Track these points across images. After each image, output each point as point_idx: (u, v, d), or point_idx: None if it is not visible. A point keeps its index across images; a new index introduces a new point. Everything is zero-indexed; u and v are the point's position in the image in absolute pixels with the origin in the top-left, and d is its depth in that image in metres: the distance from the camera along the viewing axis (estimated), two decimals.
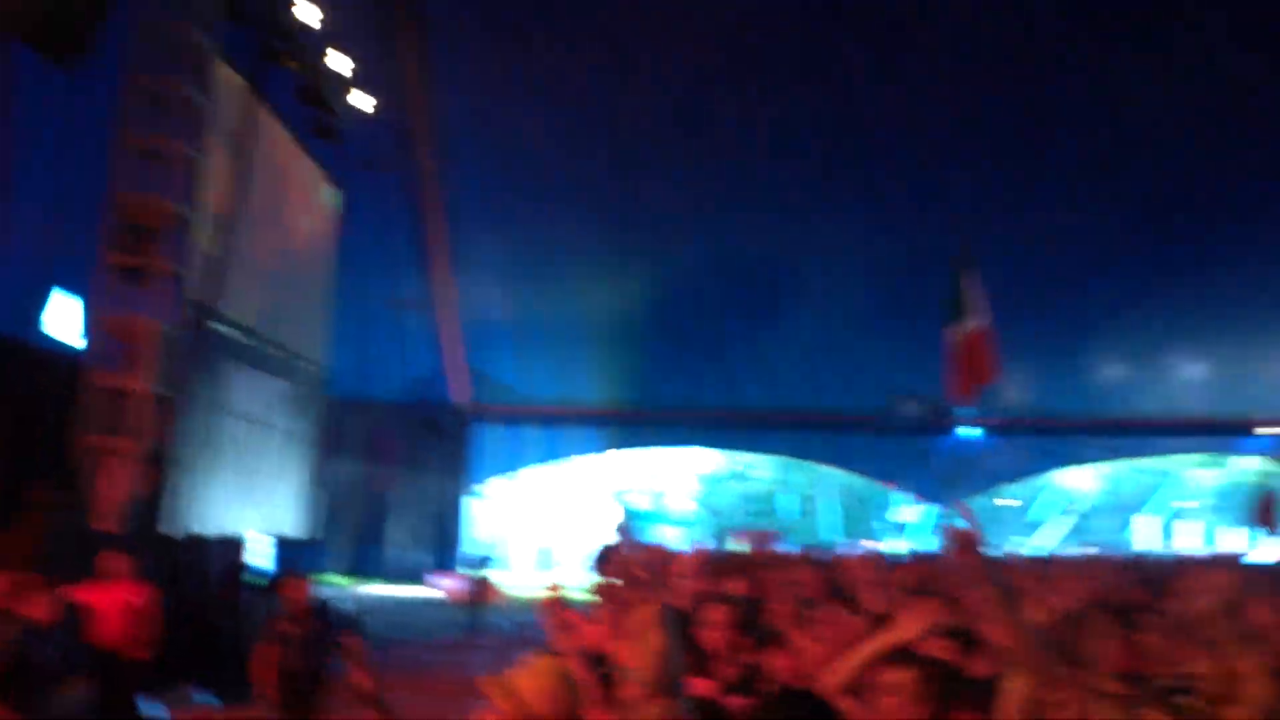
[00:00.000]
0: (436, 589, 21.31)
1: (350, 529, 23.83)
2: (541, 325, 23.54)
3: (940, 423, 23.65)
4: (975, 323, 12.71)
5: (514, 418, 25.28)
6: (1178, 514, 28.37)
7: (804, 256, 22.07)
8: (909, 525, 27.30)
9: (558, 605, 4.25)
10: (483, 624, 16.64)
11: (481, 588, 17.11)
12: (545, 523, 25.53)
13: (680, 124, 20.22)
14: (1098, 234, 20.61)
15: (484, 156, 21.09)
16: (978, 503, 26.89)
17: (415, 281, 23.41)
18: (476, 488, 25.70)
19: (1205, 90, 18.61)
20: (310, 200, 15.50)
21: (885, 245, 21.31)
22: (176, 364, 10.37)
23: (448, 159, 20.62)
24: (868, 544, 24.52)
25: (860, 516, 27.29)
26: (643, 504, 25.83)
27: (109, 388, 9.91)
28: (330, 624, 8.36)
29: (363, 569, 23.82)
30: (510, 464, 25.78)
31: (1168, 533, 27.52)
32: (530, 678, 2.67)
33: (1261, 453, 23.83)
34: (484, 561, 17.77)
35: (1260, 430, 25.64)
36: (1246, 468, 26.63)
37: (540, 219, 21.86)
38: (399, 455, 23.93)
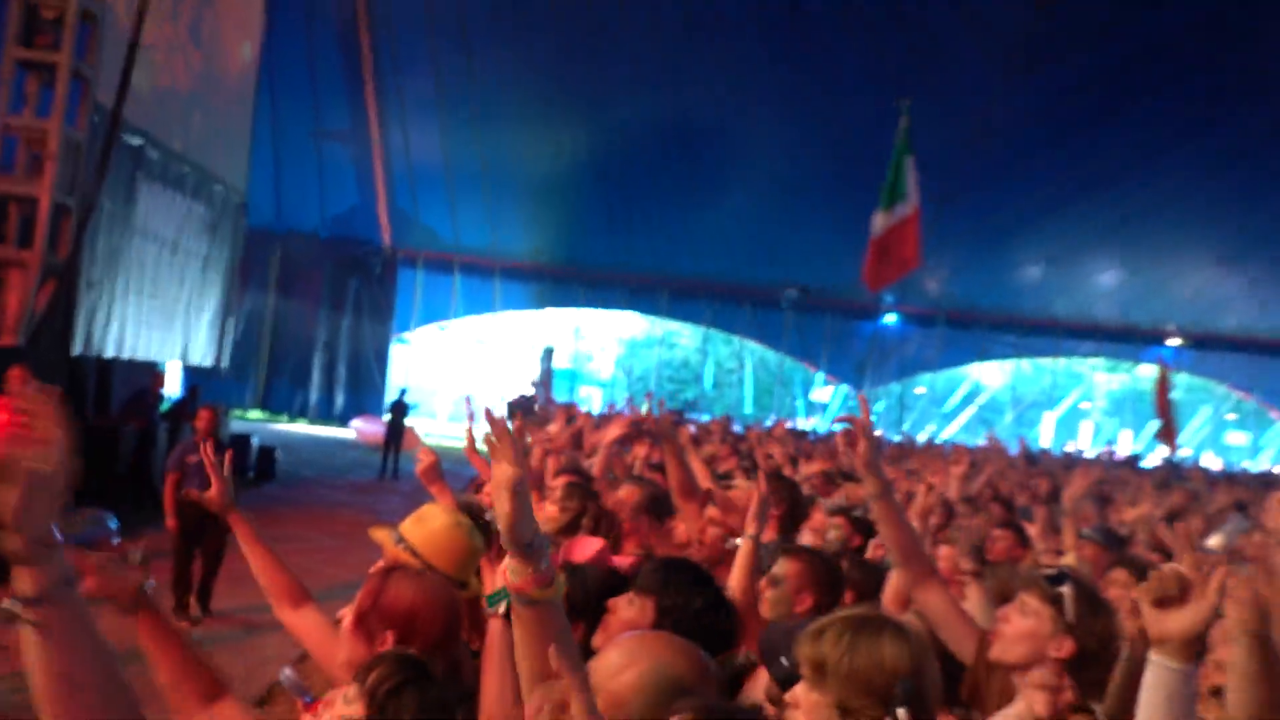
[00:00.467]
0: (358, 432, 21.25)
1: (268, 365, 23.43)
2: (474, 173, 22.87)
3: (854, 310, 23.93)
4: (905, 208, 12.72)
5: (442, 265, 24.78)
6: (1083, 415, 29.52)
7: (743, 128, 21.67)
8: (826, 405, 27.87)
9: (473, 454, 4.16)
10: (399, 469, 16.69)
11: (401, 432, 17.04)
12: (469, 374, 25.39)
13: None
14: (1026, 134, 20.57)
15: None
16: (893, 390, 27.57)
17: (342, 113, 22.41)
18: (402, 334, 25.36)
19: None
20: (232, 12, 14.47)
21: (822, 123, 21.00)
22: (83, 174, 9.72)
23: None
24: (784, 420, 25.15)
25: (780, 393, 27.72)
26: (565, 363, 25.79)
27: (7, 194, 9.28)
28: (235, 456, 8.24)
29: (281, 407, 23.56)
30: (436, 313, 25.42)
31: (1072, 432, 28.64)
32: (422, 527, 2.54)
33: (1163, 362, 24.73)
34: (405, 407, 17.60)
35: (1170, 341, 26.56)
36: (1150, 375, 27.68)
37: (477, 61, 20.90)
38: (321, 292, 23.37)
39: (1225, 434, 29.38)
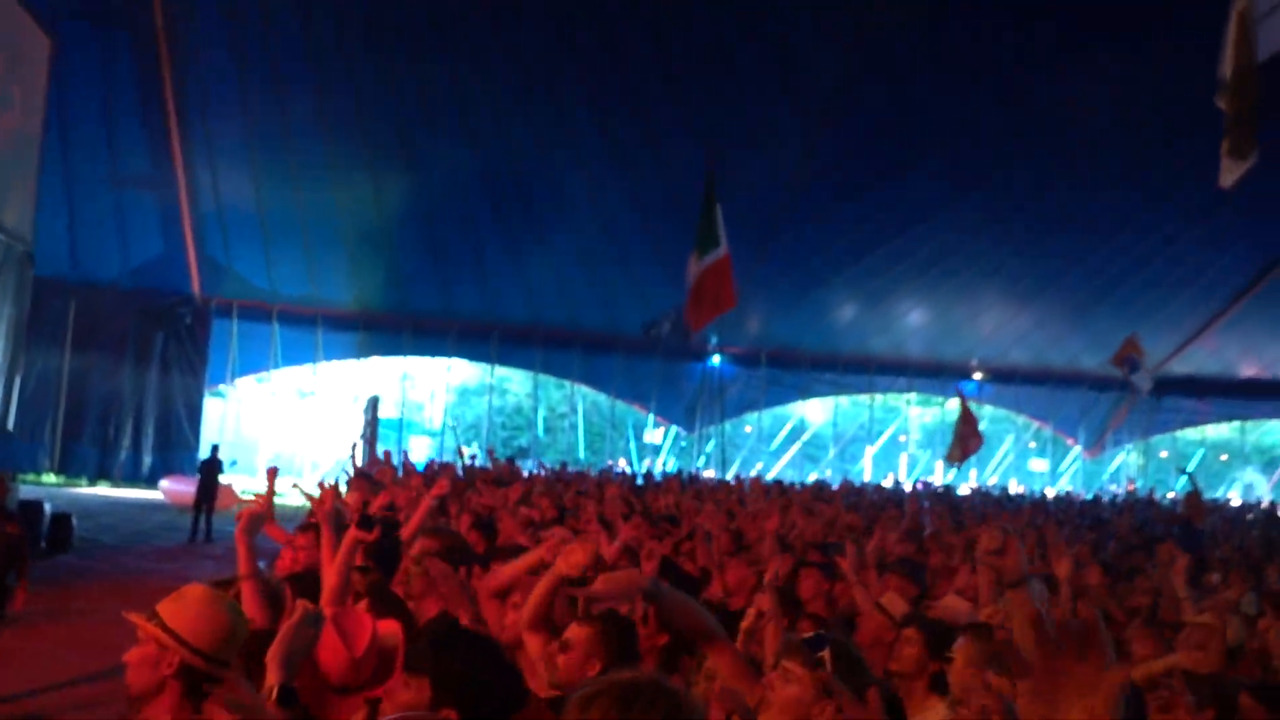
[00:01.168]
0: (166, 493, 20.04)
1: (64, 425, 21.76)
2: (291, 219, 22.13)
3: (684, 349, 24.39)
4: (719, 252, 13.34)
5: (260, 314, 23.76)
6: (901, 448, 31.01)
7: (569, 175, 21.92)
8: (658, 447, 28.23)
9: (258, 518, 3.91)
10: (212, 531, 15.83)
11: (213, 491, 16.17)
12: (292, 426, 24.37)
13: (439, 29, 19.27)
14: (835, 181, 21.70)
15: (233, 28, 19.28)
16: (725, 429, 28.21)
17: (143, 158, 21.29)
18: (218, 387, 24.13)
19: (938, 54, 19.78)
20: (11, 45, 13.56)
21: (644, 171, 21.50)
22: None
23: (186, 20, 18.72)
24: (620, 464, 25.30)
25: (612, 436, 27.89)
26: (393, 413, 25.14)
27: None
28: (21, 525, 7.59)
29: (80, 469, 21.92)
30: (255, 364, 24.30)
31: (891, 465, 30.00)
32: (179, 605, 2.39)
33: (968, 395, 26.36)
34: (217, 465, 16.72)
35: (974, 376, 28.34)
36: (957, 408, 29.38)
37: (291, 105, 20.34)
38: (124, 346, 21.96)
39: (1028, 461, 31.49)
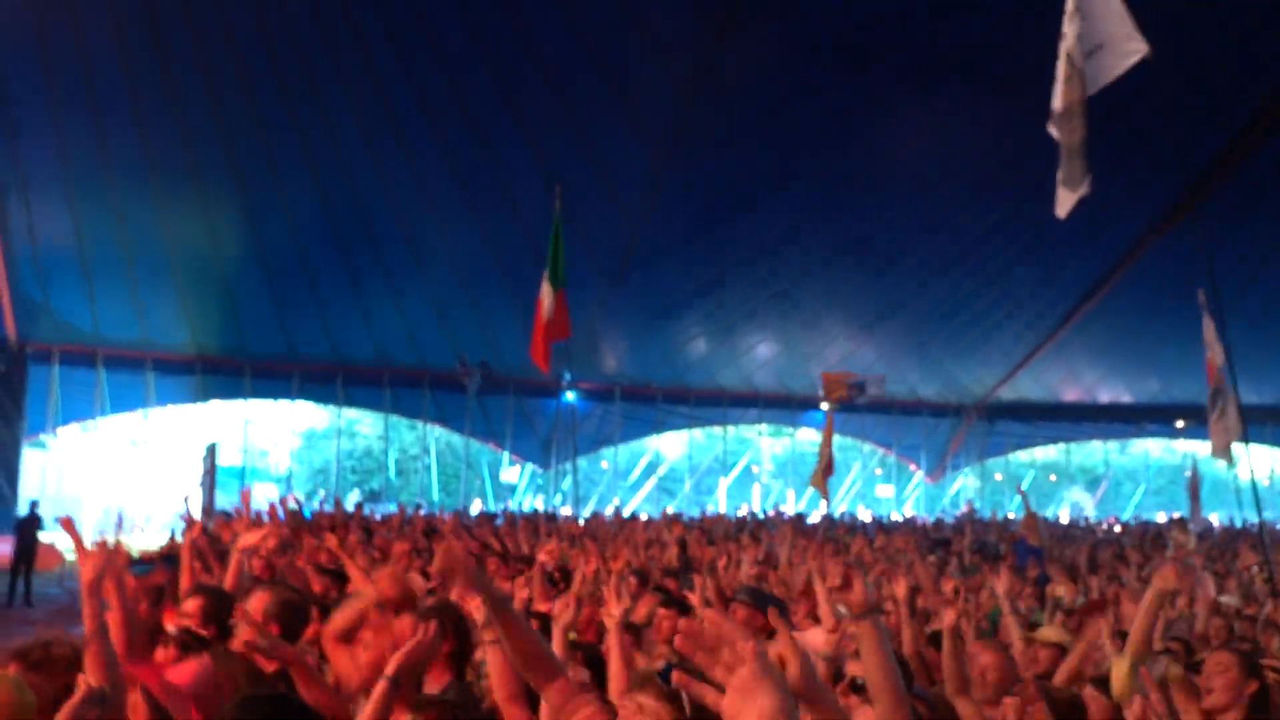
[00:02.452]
0: None
1: None
2: (118, 259, 21.07)
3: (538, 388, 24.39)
4: (558, 288, 13.57)
5: (84, 359, 22.45)
6: (754, 478, 31.75)
7: (416, 214, 21.69)
8: (515, 486, 28.04)
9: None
10: (32, 594, 14.80)
11: (32, 551, 15.12)
12: (123, 478, 23.03)
13: (276, 65, 18.87)
14: (683, 221, 22.27)
15: (45, 55, 18.32)
16: (581, 465, 28.26)
17: None
18: (39, 438, 22.65)
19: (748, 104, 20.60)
20: None
21: (492, 210, 21.54)
22: None
23: None
24: (475, 504, 25.00)
25: (467, 476, 27.56)
26: (235, 459, 24.15)
27: None
28: None
29: None
30: (79, 412, 22.93)
31: (745, 495, 30.66)
32: None
33: (817, 425, 27.12)
34: (36, 523, 15.66)
35: (821, 405, 29.28)
36: (807, 438, 30.34)
37: (112, 138, 19.44)
38: None
39: (875, 487, 32.73)
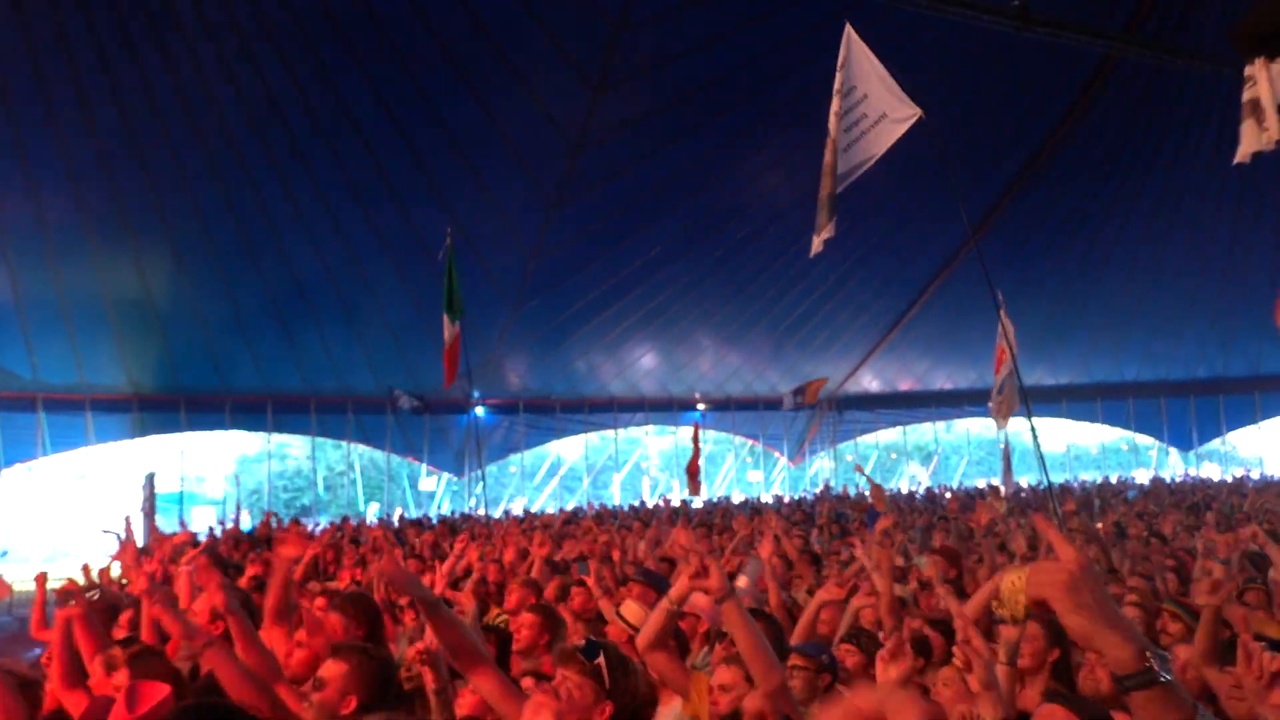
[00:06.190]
0: None
1: None
2: (54, 308, 20.49)
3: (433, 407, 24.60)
4: (455, 320, 14.13)
5: (23, 404, 21.72)
6: (644, 473, 32.57)
7: (332, 252, 21.60)
8: (433, 494, 28.18)
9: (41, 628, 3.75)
10: None
11: None
12: (66, 512, 22.32)
13: (190, 113, 18.64)
14: (572, 250, 22.71)
15: None
16: (491, 471, 28.57)
17: None
18: None
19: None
20: None
21: (399, 247, 21.60)
22: None
23: None
24: (398, 512, 25.07)
25: (390, 488, 27.56)
26: (172, 488, 23.65)
27: None
28: None
29: None
30: (20, 453, 22.14)
31: (636, 489, 31.45)
32: None
33: (694, 423, 28.10)
34: None
35: (699, 407, 30.36)
36: (687, 435, 31.27)
37: (49, 195, 18.92)
38: None
39: (746, 473, 33.95)
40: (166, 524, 18.95)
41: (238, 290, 21.80)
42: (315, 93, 18.71)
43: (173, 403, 23.36)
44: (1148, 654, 1.35)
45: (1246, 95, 6.49)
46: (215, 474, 26.35)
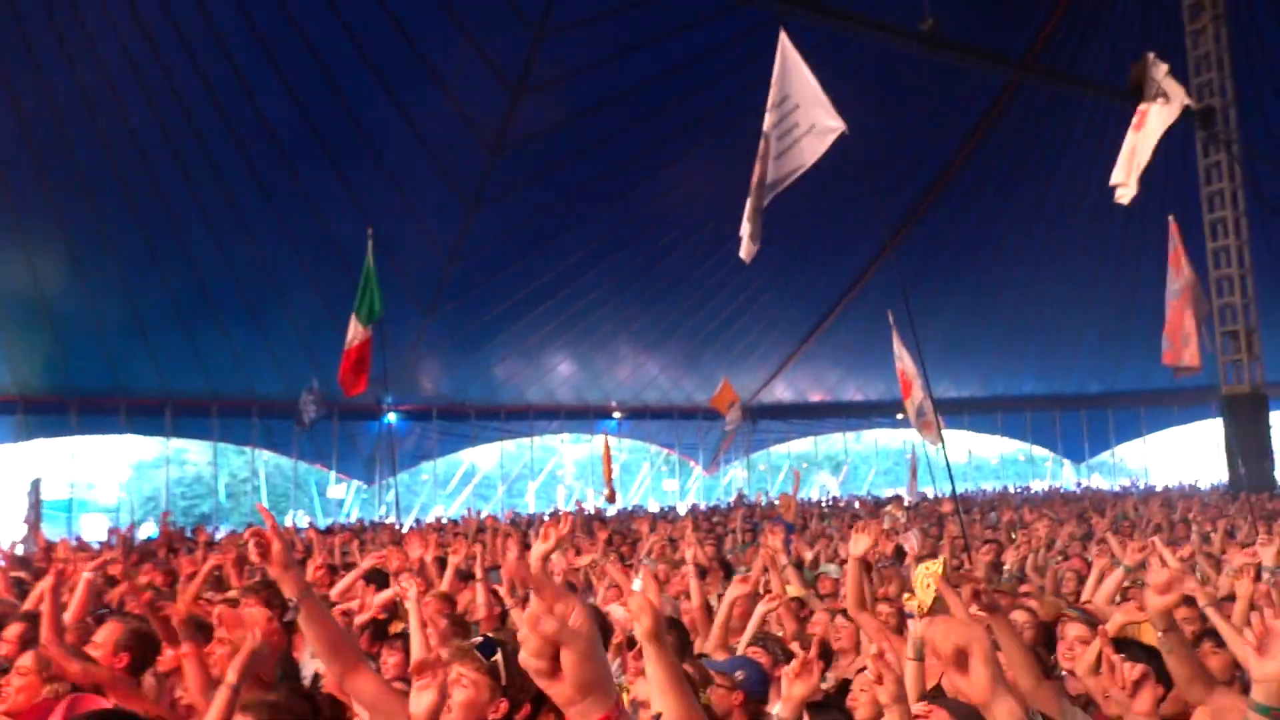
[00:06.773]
0: None
1: None
2: None
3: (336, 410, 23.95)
4: (369, 324, 13.80)
5: None
6: (559, 480, 32.28)
7: (238, 249, 20.80)
8: (342, 501, 27.39)
9: None
10: None
11: None
12: None
13: (88, 105, 17.82)
14: (488, 256, 22.53)
15: None
16: (401, 479, 27.92)
17: None
18: None
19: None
20: None
21: (312, 247, 21.06)
22: None
23: None
24: (303, 520, 24.26)
25: (297, 495, 26.68)
26: (63, 493, 22.38)
27: None
28: None
29: None
30: None
31: (551, 497, 31.12)
32: None
33: (611, 432, 28.00)
34: None
35: (615, 415, 30.30)
36: (600, 445, 31.17)
37: None
38: None
39: (662, 482, 34.03)
40: (54, 532, 17.92)
41: (137, 291, 20.77)
42: (226, 93, 18.07)
43: (62, 404, 22.10)
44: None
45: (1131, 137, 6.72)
46: (108, 480, 24.99)
